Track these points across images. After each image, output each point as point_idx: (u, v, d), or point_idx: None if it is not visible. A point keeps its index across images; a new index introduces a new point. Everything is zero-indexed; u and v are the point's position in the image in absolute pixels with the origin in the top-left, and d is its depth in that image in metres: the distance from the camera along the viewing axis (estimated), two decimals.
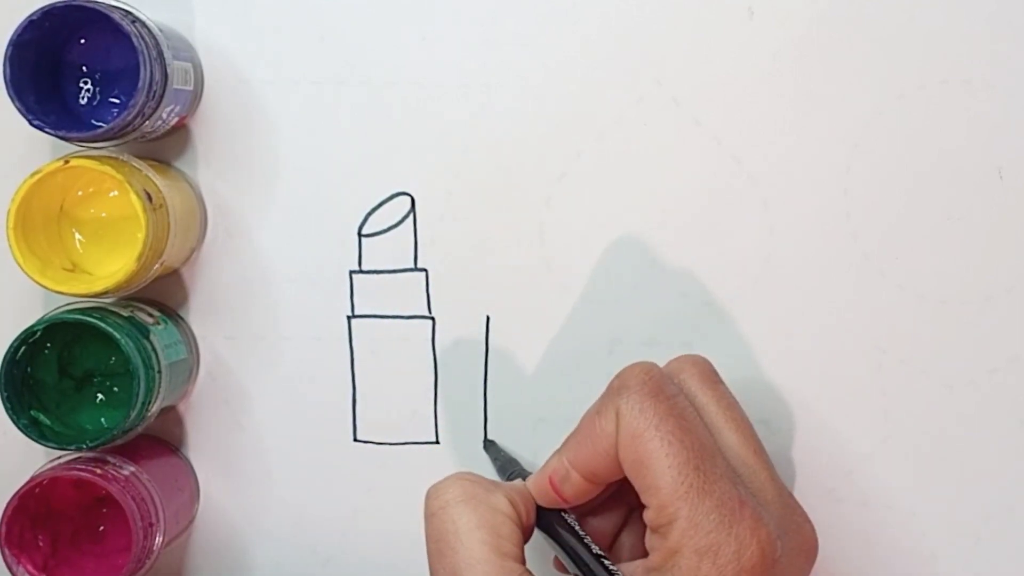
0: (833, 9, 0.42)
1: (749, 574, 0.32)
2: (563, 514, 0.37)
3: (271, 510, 0.45)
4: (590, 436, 0.35)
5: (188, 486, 0.44)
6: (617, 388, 0.35)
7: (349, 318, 0.44)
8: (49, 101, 0.39)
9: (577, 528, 0.37)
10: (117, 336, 0.39)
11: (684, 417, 0.34)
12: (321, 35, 0.43)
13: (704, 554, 0.32)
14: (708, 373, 0.37)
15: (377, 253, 0.44)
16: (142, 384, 0.39)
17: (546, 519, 0.37)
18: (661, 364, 0.43)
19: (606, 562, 0.36)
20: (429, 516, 0.36)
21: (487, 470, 0.44)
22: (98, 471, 0.39)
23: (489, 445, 0.44)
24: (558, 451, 0.37)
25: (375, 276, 0.44)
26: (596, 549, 0.36)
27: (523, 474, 0.40)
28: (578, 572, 0.36)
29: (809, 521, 0.36)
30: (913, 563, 0.43)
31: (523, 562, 0.35)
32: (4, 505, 0.38)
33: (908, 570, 0.43)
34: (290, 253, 0.44)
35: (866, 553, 0.43)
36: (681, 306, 0.43)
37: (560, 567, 0.39)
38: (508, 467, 0.41)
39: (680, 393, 0.35)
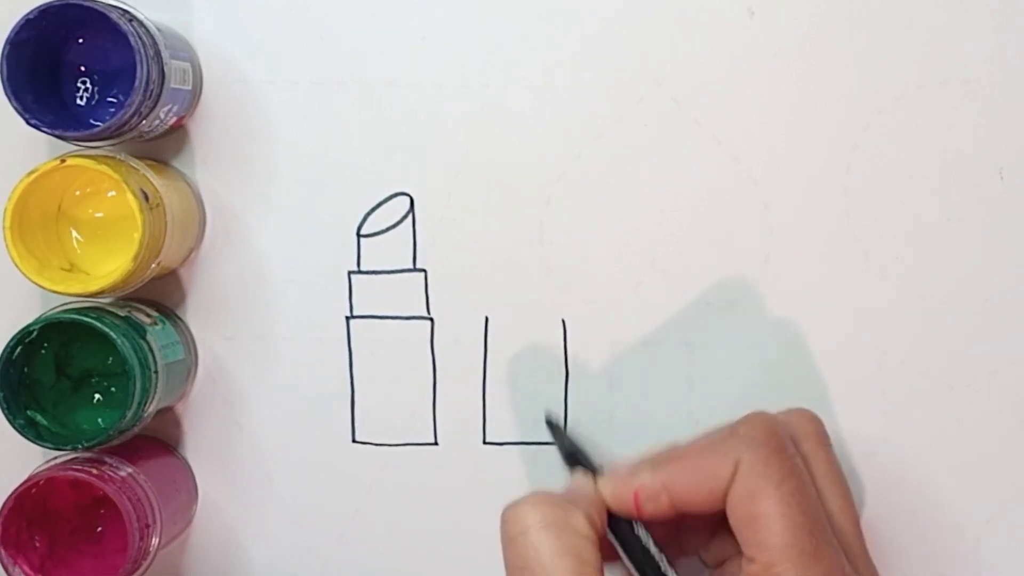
0: (833, 9, 0.42)
1: None
2: (634, 525, 0.36)
3: (270, 511, 0.44)
4: (699, 471, 0.34)
5: (186, 487, 0.44)
6: (741, 436, 0.34)
7: (348, 319, 0.44)
8: (47, 100, 0.39)
9: (651, 545, 0.36)
10: (114, 336, 0.38)
11: (803, 480, 0.34)
12: (321, 35, 0.43)
13: None
14: (822, 435, 0.37)
15: (376, 254, 0.44)
16: (139, 384, 0.39)
17: (617, 528, 0.36)
18: (661, 364, 0.43)
19: None
20: (508, 541, 0.34)
21: (484, 471, 0.43)
22: (95, 471, 0.39)
23: (553, 426, 0.42)
24: (650, 466, 0.35)
25: (374, 277, 0.44)
26: (668, 572, 0.35)
27: (589, 465, 0.38)
28: None
29: None
30: (913, 563, 0.43)
31: None
32: (1, 505, 0.38)
33: (908, 570, 0.43)
34: (289, 253, 0.44)
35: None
36: (681, 306, 0.43)
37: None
38: (573, 453, 0.39)
39: (797, 453, 0.35)
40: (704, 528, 0.38)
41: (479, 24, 0.43)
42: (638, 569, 0.36)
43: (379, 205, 0.43)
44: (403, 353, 0.44)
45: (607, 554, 0.35)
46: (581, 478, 0.37)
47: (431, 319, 0.44)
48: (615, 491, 0.36)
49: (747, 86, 0.42)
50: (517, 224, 0.43)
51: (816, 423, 0.37)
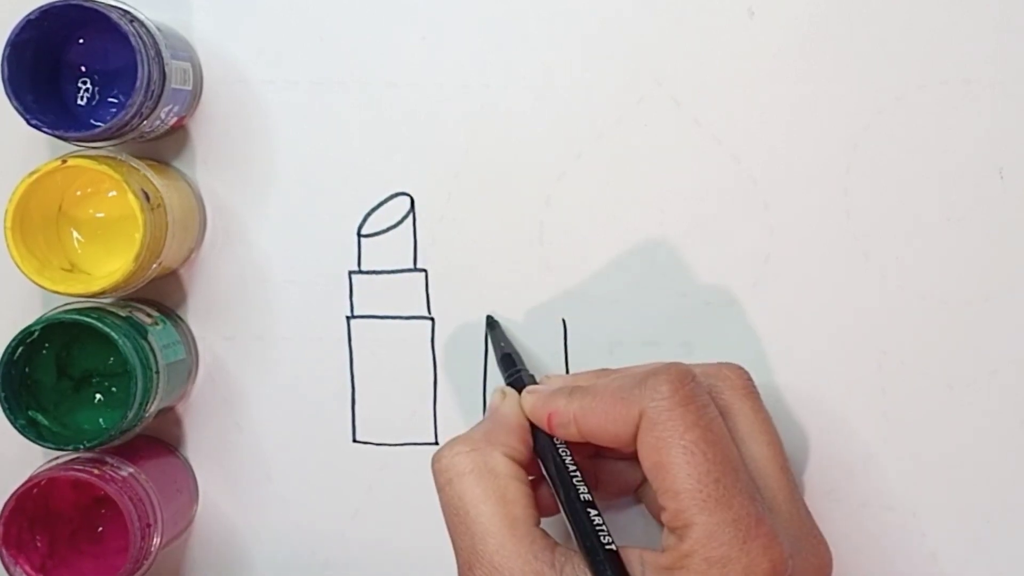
0: (833, 9, 0.42)
1: None
2: (556, 443, 0.37)
3: (270, 511, 0.44)
4: (605, 415, 0.35)
5: (187, 487, 0.44)
6: (648, 386, 0.35)
7: (348, 319, 0.44)
8: (47, 100, 0.39)
9: (568, 462, 0.37)
10: (115, 336, 0.38)
11: (711, 429, 0.34)
12: (321, 35, 0.43)
13: (714, 564, 0.33)
14: (746, 384, 0.38)
15: (376, 253, 0.44)
16: (140, 384, 0.39)
17: (539, 439, 0.38)
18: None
19: (591, 512, 0.35)
20: (439, 490, 0.37)
21: None
22: (96, 472, 0.39)
23: (493, 326, 0.43)
24: (569, 394, 0.37)
25: (374, 276, 0.44)
26: (585, 493, 0.36)
27: (522, 375, 0.40)
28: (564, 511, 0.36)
29: (825, 543, 0.36)
30: (913, 563, 0.43)
31: (536, 521, 0.36)
32: (2, 505, 0.38)
33: (908, 570, 0.43)
34: (289, 253, 0.44)
35: (866, 553, 0.43)
36: (681, 306, 0.43)
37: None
38: (508, 364, 0.41)
39: (711, 402, 0.35)
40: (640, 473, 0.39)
41: (479, 24, 0.43)
42: (551, 479, 0.37)
43: (379, 205, 0.43)
44: (403, 353, 0.44)
45: (540, 480, 0.37)
46: (504, 396, 0.39)
47: (431, 319, 0.44)
48: (533, 408, 0.38)
49: (747, 86, 0.42)
50: (517, 224, 0.43)
51: (739, 373, 0.38)
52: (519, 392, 0.39)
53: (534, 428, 0.38)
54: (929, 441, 0.43)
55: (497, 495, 0.35)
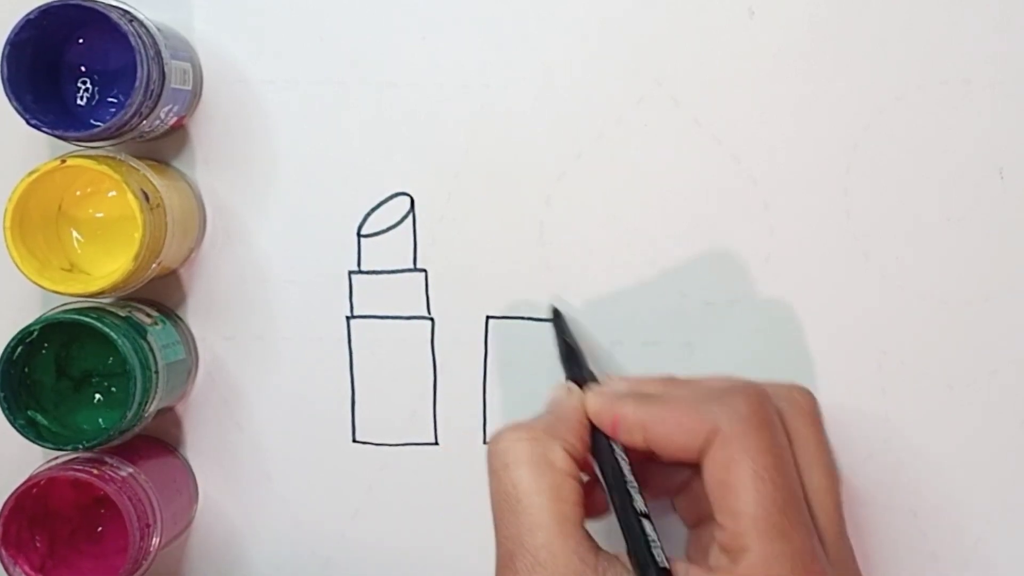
0: (833, 9, 0.42)
1: None
2: (614, 448, 0.37)
3: (270, 511, 0.44)
4: (677, 426, 0.35)
5: (186, 487, 0.44)
6: (726, 403, 0.34)
7: (348, 319, 0.44)
8: (47, 100, 0.39)
9: (624, 464, 0.36)
10: (114, 336, 0.38)
11: (782, 456, 0.34)
12: (321, 35, 0.43)
13: None
14: (813, 410, 0.37)
15: (376, 253, 0.44)
16: (139, 384, 0.39)
17: (597, 440, 0.37)
18: (661, 364, 0.43)
19: (647, 524, 0.35)
20: (491, 474, 0.36)
21: (484, 471, 0.43)
22: (95, 471, 0.39)
23: (558, 316, 0.42)
24: (635, 400, 0.36)
25: (374, 276, 0.44)
26: (641, 504, 0.35)
27: (585, 374, 0.39)
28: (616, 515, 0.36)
29: None
30: (913, 563, 0.43)
31: (583, 521, 0.35)
32: (1, 505, 0.38)
33: (908, 570, 0.43)
34: (289, 253, 0.44)
35: (866, 553, 0.43)
36: (681, 306, 0.43)
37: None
38: (571, 362, 0.40)
39: (781, 427, 0.35)
40: (685, 478, 0.38)
41: (479, 24, 0.43)
42: (607, 483, 0.36)
43: (379, 205, 0.43)
44: (403, 353, 0.44)
45: (593, 481, 0.37)
46: (568, 392, 0.38)
47: (431, 319, 0.44)
48: (598, 410, 0.37)
49: (747, 86, 0.42)
50: (517, 224, 0.43)
51: (808, 399, 0.38)
52: (581, 387, 0.39)
53: (593, 429, 0.37)
54: (929, 441, 0.43)
55: (552, 489, 0.35)
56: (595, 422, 0.37)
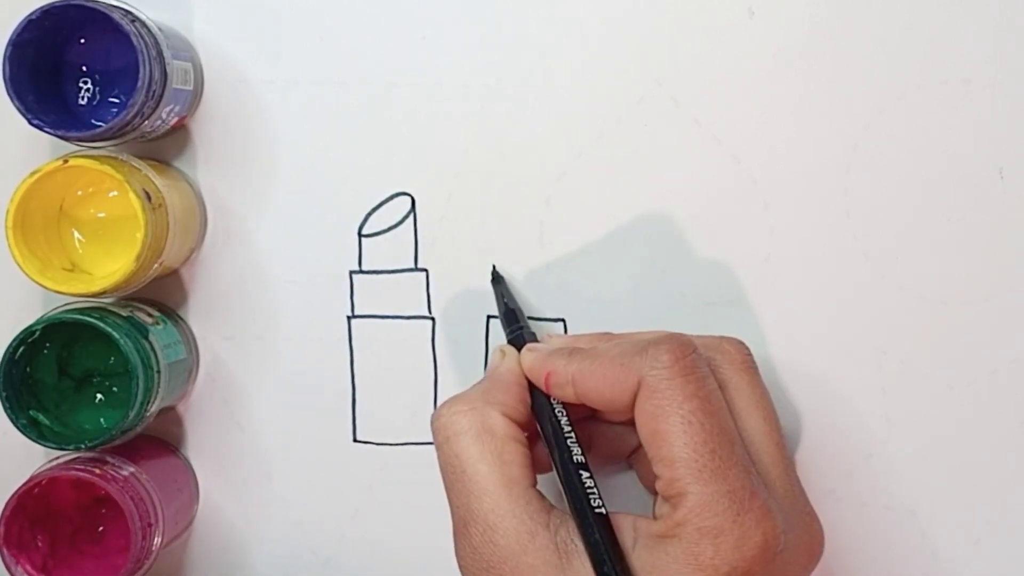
0: (833, 9, 0.42)
1: (748, 563, 0.33)
2: (552, 403, 0.37)
3: (271, 510, 0.44)
4: (604, 379, 0.35)
5: (187, 486, 0.44)
6: (649, 354, 0.35)
7: (349, 318, 0.44)
8: (49, 100, 0.39)
9: (564, 423, 0.37)
10: (116, 336, 0.38)
11: (709, 400, 0.34)
12: (321, 35, 0.43)
13: (706, 534, 0.33)
14: (745, 358, 0.38)
15: (377, 253, 0.44)
16: (141, 384, 0.39)
17: (536, 396, 0.38)
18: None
19: (584, 475, 0.35)
20: (437, 448, 0.37)
21: None
22: (97, 471, 0.39)
23: (498, 280, 0.43)
24: (566, 355, 0.37)
25: (375, 276, 0.44)
26: (578, 455, 0.36)
27: (523, 334, 0.40)
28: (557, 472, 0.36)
29: (818, 521, 0.36)
30: (913, 563, 0.43)
31: (533, 481, 0.36)
32: (3, 505, 0.38)
33: (908, 570, 0.43)
34: (290, 253, 0.44)
35: (866, 553, 0.43)
36: (681, 306, 0.43)
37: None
38: (511, 320, 0.41)
39: (710, 374, 0.35)
40: (637, 440, 0.39)
41: (479, 24, 0.43)
42: (546, 439, 0.37)
43: (380, 205, 0.44)
44: (404, 353, 0.44)
45: (538, 440, 0.38)
46: (503, 355, 0.39)
47: (432, 319, 0.44)
48: (531, 366, 0.38)
49: (747, 86, 0.42)
50: (517, 224, 0.43)
51: (740, 348, 0.38)
52: (519, 349, 0.39)
53: (532, 387, 0.38)
54: (929, 441, 0.43)
55: (494, 455, 0.35)
56: (530, 378, 0.38)
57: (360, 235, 0.44)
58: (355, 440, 0.44)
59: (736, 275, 0.43)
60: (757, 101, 0.42)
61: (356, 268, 0.44)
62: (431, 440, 0.44)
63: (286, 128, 0.43)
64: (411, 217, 0.44)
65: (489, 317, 0.44)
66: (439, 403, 0.44)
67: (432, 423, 0.37)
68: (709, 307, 0.43)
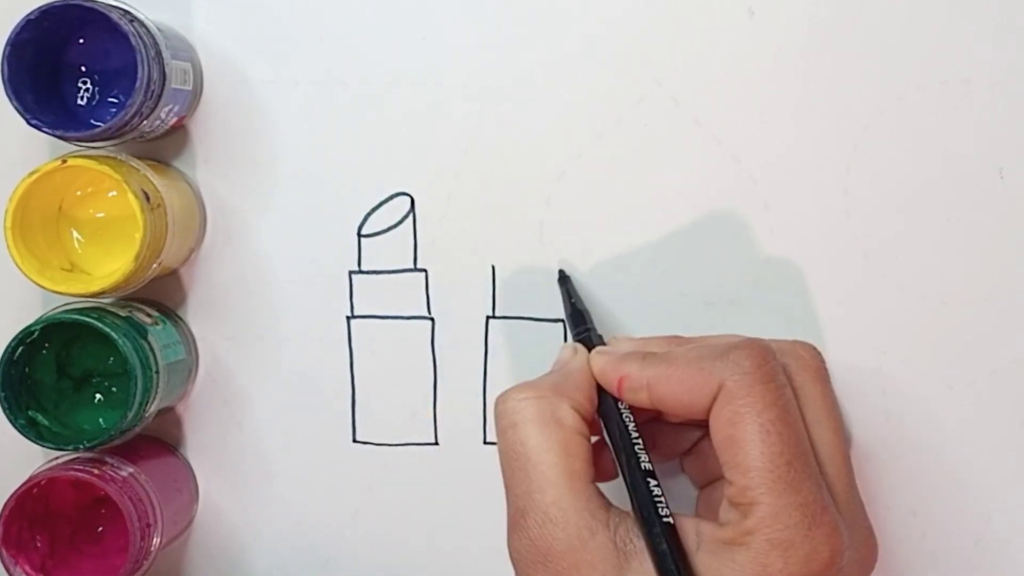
0: (833, 9, 0.42)
1: None
2: (620, 408, 0.37)
3: (270, 511, 0.44)
4: (681, 383, 0.35)
5: (187, 487, 0.44)
6: (730, 360, 0.34)
7: (348, 319, 0.44)
8: (47, 100, 0.39)
9: (629, 423, 0.36)
10: (115, 336, 0.38)
11: (788, 410, 0.34)
12: (321, 35, 0.43)
13: (776, 546, 0.32)
14: (819, 366, 0.38)
15: (377, 253, 0.44)
16: (140, 384, 0.39)
17: (604, 401, 0.37)
18: None
19: (651, 482, 0.35)
20: (500, 433, 0.36)
21: (484, 471, 0.43)
22: (96, 472, 0.39)
23: (565, 279, 0.42)
24: (640, 359, 0.36)
25: (375, 276, 0.44)
26: (646, 462, 0.36)
27: (591, 336, 0.40)
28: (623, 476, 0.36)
29: (874, 535, 0.36)
30: (913, 563, 0.43)
31: (594, 478, 0.35)
32: (2, 505, 0.38)
33: (908, 570, 0.43)
34: (289, 253, 0.44)
35: None
36: (681, 306, 0.43)
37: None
38: (577, 321, 0.40)
39: (787, 383, 0.35)
40: (694, 439, 0.39)
41: (479, 24, 0.43)
42: (613, 443, 0.37)
43: (380, 205, 0.43)
44: (404, 353, 0.44)
45: (601, 445, 0.37)
46: (575, 352, 0.39)
47: (432, 319, 0.44)
48: (603, 370, 0.37)
49: (747, 86, 0.42)
50: (517, 224, 0.43)
51: (814, 355, 0.38)
52: (588, 350, 0.39)
53: (600, 389, 0.38)
54: (929, 441, 0.43)
55: (561, 446, 0.35)
56: (600, 382, 0.37)
57: (359, 235, 0.44)
58: (355, 440, 0.44)
59: (736, 275, 0.43)
60: (757, 101, 0.42)
61: (355, 268, 0.44)
62: (431, 440, 0.44)
63: (286, 128, 0.43)
64: (411, 217, 0.43)
65: (488, 317, 0.44)
66: (440, 401, 0.44)
67: (496, 406, 0.36)
68: (709, 307, 0.43)
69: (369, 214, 0.43)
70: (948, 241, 0.42)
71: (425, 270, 0.44)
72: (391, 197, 0.43)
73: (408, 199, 0.43)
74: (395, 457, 0.44)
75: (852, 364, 0.43)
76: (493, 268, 0.43)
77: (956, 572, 0.43)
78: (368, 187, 0.43)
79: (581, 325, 0.40)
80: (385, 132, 0.43)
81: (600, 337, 0.40)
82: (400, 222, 0.43)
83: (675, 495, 0.41)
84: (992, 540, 0.43)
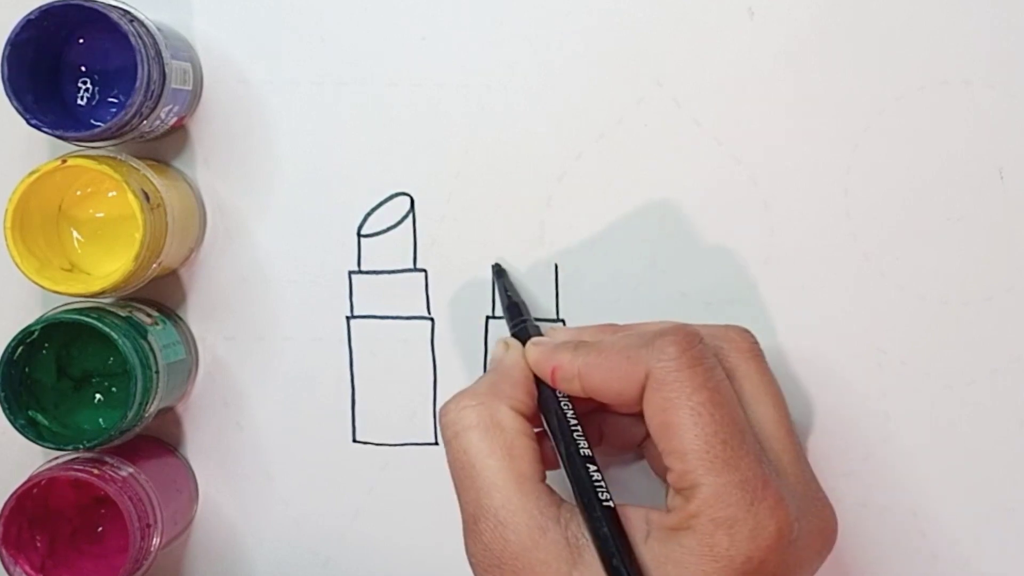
0: (833, 10, 0.42)
1: (763, 552, 0.33)
2: (558, 396, 0.37)
3: (270, 511, 0.44)
4: (610, 372, 0.35)
5: (187, 487, 0.44)
6: (655, 347, 0.35)
7: (348, 319, 0.44)
8: (47, 100, 0.39)
9: (570, 416, 0.37)
10: (115, 336, 0.38)
11: (718, 390, 0.34)
12: (321, 35, 0.43)
13: (720, 525, 0.33)
14: (751, 346, 0.38)
15: (376, 253, 0.44)
16: (139, 384, 0.39)
17: (543, 396, 0.37)
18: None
19: (591, 468, 0.35)
20: (445, 444, 0.36)
21: None
22: (96, 471, 0.39)
23: (500, 273, 0.42)
24: (572, 349, 0.37)
25: (374, 277, 0.44)
26: (585, 448, 0.36)
27: (527, 327, 0.40)
28: (565, 467, 0.36)
29: (830, 506, 0.36)
30: (913, 563, 0.43)
31: (542, 476, 0.36)
32: (2, 505, 0.38)
33: (908, 570, 0.43)
34: (289, 253, 0.44)
35: (866, 553, 0.43)
36: (681, 306, 0.43)
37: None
38: (514, 313, 0.41)
39: (718, 364, 0.35)
40: (645, 430, 0.38)
41: (479, 24, 0.43)
42: (552, 432, 0.37)
43: (379, 205, 0.43)
44: (404, 353, 0.44)
45: (544, 433, 0.37)
46: (507, 347, 0.39)
47: (431, 319, 0.44)
48: (537, 361, 0.38)
49: (747, 86, 0.42)
50: (517, 224, 0.43)
51: (746, 336, 0.38)
52: (523, 343, 0.39)
53: (538, 380, 0.38)
54: (929, 441, 0.43)
55: (504, 450, 0.35)
56: (536, 373, 0.38)
57: (359, 235, 0.44)
58: (355, 440, 0.44)
59: (736, 275, 0.43)
60: (757, 101, 0.42)
61: (355, 268, 0.44)
62: (431, 440, 0.44)
63: (286, 128, 0.43)
64: (410, 217, 0.43)
65: (488, 317, 0.44)
66: (440, 401, 0.44)
67: (440, 418, 0.37)
68: (709, 307, 0.43)
69: (369, 214, 0.43)
70: (948, 241, 0.42)
71: (425, 270, 0.44)
72: (391, 197, 0.43)
73: (408, 199, 0.43)
74: (395, 457, 0.44)
75: (852, 364, 0.43)
76: (496, 263, 0.43)
77: (956, 572, 0.43)
78: (368, 187, 0.43)
79: (517, 317, 0.41)
80: (385, 132, 0.43)
81: (537, 328, 0.40)
82: (400, 222, 0.44)
83: (642, 489, 0.41)
84: (992, 540, 0.43)
